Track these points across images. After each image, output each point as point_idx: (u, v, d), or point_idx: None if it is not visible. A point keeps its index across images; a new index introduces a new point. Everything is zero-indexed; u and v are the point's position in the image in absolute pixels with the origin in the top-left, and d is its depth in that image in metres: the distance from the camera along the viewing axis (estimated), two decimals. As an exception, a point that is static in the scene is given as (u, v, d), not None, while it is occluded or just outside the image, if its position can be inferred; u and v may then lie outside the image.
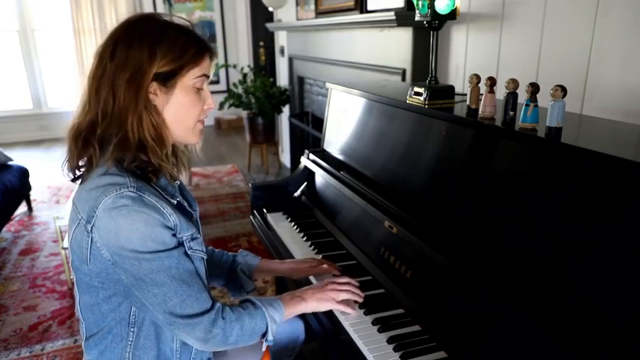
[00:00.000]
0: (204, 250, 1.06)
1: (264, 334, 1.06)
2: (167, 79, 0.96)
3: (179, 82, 0.97)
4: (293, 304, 1.11)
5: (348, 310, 1.16)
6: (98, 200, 0.91)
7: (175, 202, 1.02)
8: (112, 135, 0.95)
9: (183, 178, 1.13)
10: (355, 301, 1.20)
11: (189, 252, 1.00)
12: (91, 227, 0.92)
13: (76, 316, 1.10)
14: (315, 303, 1.14)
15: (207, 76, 1.02)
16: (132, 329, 1.02)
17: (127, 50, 0.94)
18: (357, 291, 1.20)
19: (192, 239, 1.01)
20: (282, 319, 1.08)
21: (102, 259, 0.94)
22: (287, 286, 1.77)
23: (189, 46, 0.97)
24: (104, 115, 0.95)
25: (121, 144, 0.95)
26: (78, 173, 1.01)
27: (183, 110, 1.00)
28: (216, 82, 7.01)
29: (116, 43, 0.95)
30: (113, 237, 0.91)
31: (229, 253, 1.37)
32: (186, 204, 1.08)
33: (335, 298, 1.15)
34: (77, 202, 0.97)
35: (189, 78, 0.98)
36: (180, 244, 0.98)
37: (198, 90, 1.01)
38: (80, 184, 0.99)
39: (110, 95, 0.94)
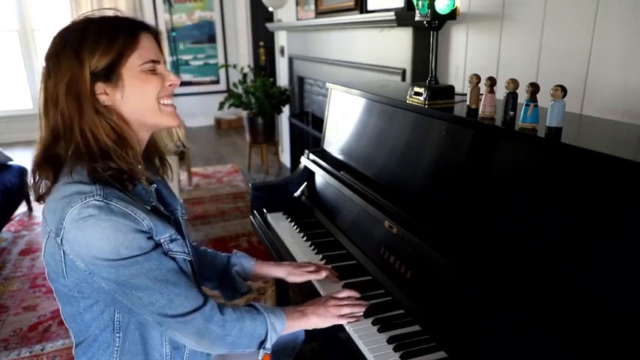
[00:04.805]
0: (188, 251, 1.02)
1: (262, 343, 1.04)
2: (108, 74, 0.91)
3: (123, 72, 0.92)
4: (294, 318, 1.10)
5: (352, 320, 1.14)
6: (64, 212, 0.87)
7: (149, 207, 0.98)
8: (69, 149, 0.92)
9: (174, 182, 1.10)
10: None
11: (169, 254, 0.96)
12: (61, 240, 0.89)
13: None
14: (316, 319, 1.12)
15: (156, 61, 0.96)
16: (117, 335, 1.00)
17: (56, 63, 0.91)
18: (359, 302, 1.18)
19: (172, 241, 0.97)
20: (283, 329, 1.07)
21: (78, 270, 0.91)
22: (287, 286, 1.77)
23: (116, 32, 0.92)
24: (56, 134, 0.93)
25: (76, 155, 0.91)
26: (41, 193, 0.98)
27: (140, 95, 0.95)
28: (217, 82, 7.01)
29: (47, 61, 0.93)
30: (84, 248, 0.88)
31: (223, 254, 1.34)
32: (162, 208, 1.04)
33: (336, 314, 1.13)
34: (46, 214, 0.92)
35: (133, 64, 0.93)
36: (159, 245, 0.95)
37: (152, 72, 0.96)
38: (48, 195, 0.95)
39: (57, 113, 0.91)
